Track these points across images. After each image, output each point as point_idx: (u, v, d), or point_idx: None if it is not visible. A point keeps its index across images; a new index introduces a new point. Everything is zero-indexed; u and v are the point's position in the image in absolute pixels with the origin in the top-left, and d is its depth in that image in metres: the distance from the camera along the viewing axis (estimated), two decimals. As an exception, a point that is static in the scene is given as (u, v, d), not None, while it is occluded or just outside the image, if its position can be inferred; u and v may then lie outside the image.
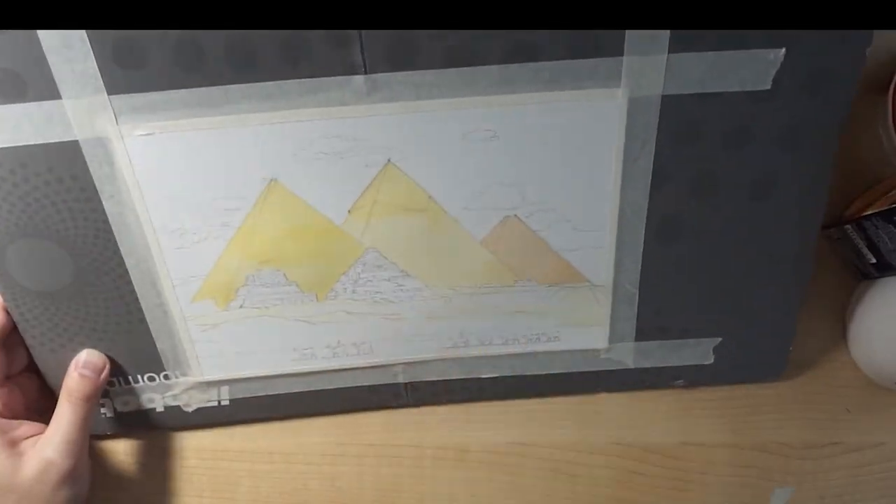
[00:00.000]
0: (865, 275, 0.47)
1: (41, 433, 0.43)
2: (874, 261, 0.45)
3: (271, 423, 0.49)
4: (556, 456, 0.50)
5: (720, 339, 0.47)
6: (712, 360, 0.47)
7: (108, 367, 0.45)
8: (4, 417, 0.43)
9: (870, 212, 0.43)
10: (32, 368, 0.46)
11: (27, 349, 0.45)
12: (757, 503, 0.50)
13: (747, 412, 0.50)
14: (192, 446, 0.49)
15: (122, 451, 0.49)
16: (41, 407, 0.46)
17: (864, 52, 0.39)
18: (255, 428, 0.49)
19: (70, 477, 0.42)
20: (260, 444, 0.49)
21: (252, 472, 0.50)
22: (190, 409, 0.48)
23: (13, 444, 0.42)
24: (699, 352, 0.47)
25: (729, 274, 0.45)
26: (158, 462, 0.50)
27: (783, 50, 0.38)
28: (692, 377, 0.48)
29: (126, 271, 0.43)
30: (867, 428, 0.50)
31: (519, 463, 0.50)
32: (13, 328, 0.44)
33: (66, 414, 0.43)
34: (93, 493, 0.47)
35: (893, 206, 0.41)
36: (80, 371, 0.44)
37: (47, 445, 0.42)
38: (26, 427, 0.43)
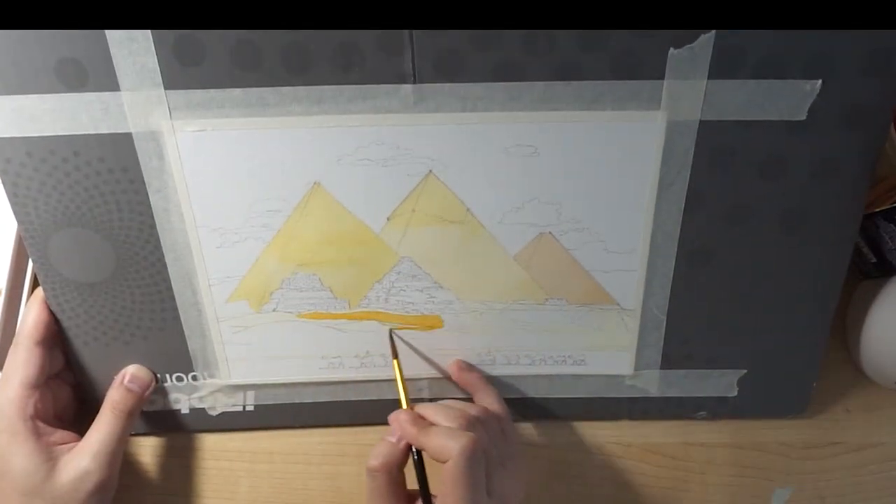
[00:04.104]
0: (866, 274, 0.47)
1: (75, 441, 0.42)
2: (875, 260, 0.45)
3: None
4: (556, 456, 0.50)
5: (745, 371, 0.47)
6: (736, 393, 0.47)
7: (153, 383, 0.46)
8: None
9: (871, 211, 0.43)
10: (65, 376, 0.45)
11: (63, 353, 0.45)
12: (757, 503, 0.50)
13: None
14: (191, 446, 0.49)
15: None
16: (69, 416, 0.45)
17: None
18: (256, 428, 0.48)
19: (103, 488, 0.42)
20: (260, 444, 0.49)
21: (252, 472, 0.49)
22: (215, 413, 0.47)
23: (48, 448, 0.41)
24: (724, 383, 0.47)
25: (757, 305, 0.45)
26: (157, 461, 0.49)
27: (819, 81, 0.39)
28: (715, 409, 0.48)
29: (165, 267, 0.43)
30: (867, 428, 0.50)
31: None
32: (54, 327, 0.44)
33: (107, 425, 0.43)
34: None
35: (894, 205, 0.41)
36: (127, 384, 0.44)
37: (85, 454, 0.41)
38: (60, 434, 0.43)
